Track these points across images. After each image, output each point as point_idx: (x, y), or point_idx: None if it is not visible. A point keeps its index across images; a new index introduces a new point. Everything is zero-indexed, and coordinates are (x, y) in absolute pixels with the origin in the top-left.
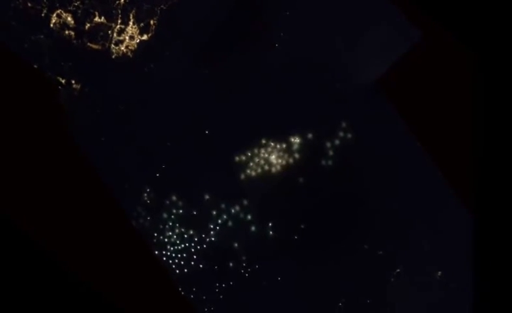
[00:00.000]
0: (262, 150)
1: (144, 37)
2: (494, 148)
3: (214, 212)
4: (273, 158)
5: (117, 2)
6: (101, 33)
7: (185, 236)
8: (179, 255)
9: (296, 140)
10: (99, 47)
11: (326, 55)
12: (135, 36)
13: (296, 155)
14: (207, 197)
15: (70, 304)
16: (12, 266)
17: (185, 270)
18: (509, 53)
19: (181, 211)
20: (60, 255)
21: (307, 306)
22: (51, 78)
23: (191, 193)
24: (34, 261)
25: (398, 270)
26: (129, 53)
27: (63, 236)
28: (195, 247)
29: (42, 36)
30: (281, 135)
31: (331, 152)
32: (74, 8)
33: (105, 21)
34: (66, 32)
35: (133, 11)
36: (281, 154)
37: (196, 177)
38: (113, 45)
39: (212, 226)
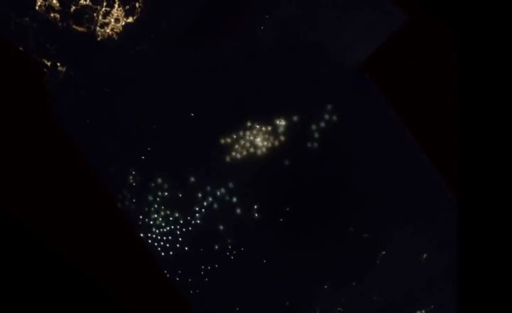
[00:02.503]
0: (248, 133)
1: (130, 19)
2: (480, 131)
3: (199, 195)
4: (258, 140)
5: None
6: (87, 16)
7: (171, 218)
8: (164, 238)
9: (281, 122)
10: (85, 30)
11: (312, 37)
12: (121, 18)
13: (282, 137)
14: (192, 179)
15: (51, 285)
16: None
17: (171, 253)
18: (495, 35)
19: (166, 194)
20: (42, 237)
21: (292, 288)
22: (36, 61)
23: (176, 175)
24: (16, 243)
25: (383, 252)
26: (114, 36)
27: (46, 218)
28: (180, 230)
29: (27, 19)
30: (266, 118)
31: (316, 135)
32: None
33: (90, 3)
34: (51, 14)
35: None
36: (266, 136)
37: (181, 159)
38: (98, 28)
39: (197, 209)
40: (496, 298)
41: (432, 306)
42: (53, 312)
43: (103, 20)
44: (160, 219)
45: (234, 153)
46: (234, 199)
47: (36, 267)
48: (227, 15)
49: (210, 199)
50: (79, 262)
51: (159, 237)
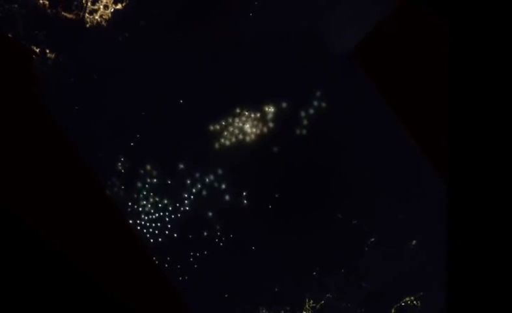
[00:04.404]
0: (237, 120)
1: (119, 6)
2: (470, 118)
3: (188, 182)
4: (247, 127)
5: None
6: (76, 2)
7: (160, 205)
8: (153, 225)
9: (270, 109)
10: (74, 17)
11: (301, 24)
12: (110, 5)
13: (271, 124)
14: (181, 166)
15: (40, 273)
16: None
17: (160, 239)
18: (484, 23)
19: (155, 180)
20: (30, 223)
21: (281, 275)
22: (25, 47)
23: (165, 162)
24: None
25: (372, 239)
26: (103, 23)
27: (33, 204)
28: (169, 216)
29: (16, 6)
30: (255, 105)
31: (305, 122)
32: None
33: None
34: (41, 1)
35: None
36: (255, 123)
37: (170, 147)
38: (87, 15)
39: (186, 195)
40: (485, 285)
41: (422, 293)
42: (40, 296)
43: (92, 7)
44: (149, 206)
45: (223, 140)
46: (223, 186)
47: (23, 253)
48: (217, 2)
49: (199, 186)
50: (66, 249)
51: (148, 224)
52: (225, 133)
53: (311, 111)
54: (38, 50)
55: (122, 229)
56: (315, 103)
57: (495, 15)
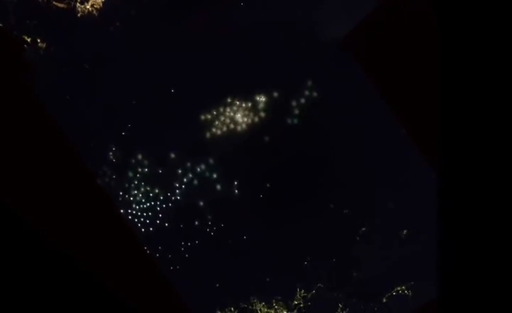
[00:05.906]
0: (228, 109)
1: None
2: (459, 106)
3: (180, 171)
4: (238, 116)
5: None
6: None
7: (151, 194)
8: (144, 214)
9: (261, 99)
10: (65, 6)
11: (292, 14)
12: None
13: (262, 114)
14: (172, 155)
15: (31, 263)
16: None
17: (151, 228)
18: (475, 15)
19: (146, 170)
20: (22, 214)
21: (272, 264)
22: (17, 37)
23: (156, 151)
24: None
25: (363, 229)
26: (94, 12)
27: (26, 194)
28: (160, 206)
29: None
30: (246, 94)
31: (296, 111)
32: None
33: None
34: None
35: None
36: (246, 112)
37: (161, 136)
38: (78, 4)
39: (177, 185)
40: (475, 274)
41: (412, 282)
42: (32, 286)
43: None
44: (140, 195)
45: (214, 129)
46: (214, 175)
47: (17, 245)
48: None
49: (190, 175)
50: (58, 239)
51: (139, 213)
52: (216, 122)
53: (302, 100)
54: (29, 40)
55: (113, 218)
56: (306, 92)
57: (483, 6)
